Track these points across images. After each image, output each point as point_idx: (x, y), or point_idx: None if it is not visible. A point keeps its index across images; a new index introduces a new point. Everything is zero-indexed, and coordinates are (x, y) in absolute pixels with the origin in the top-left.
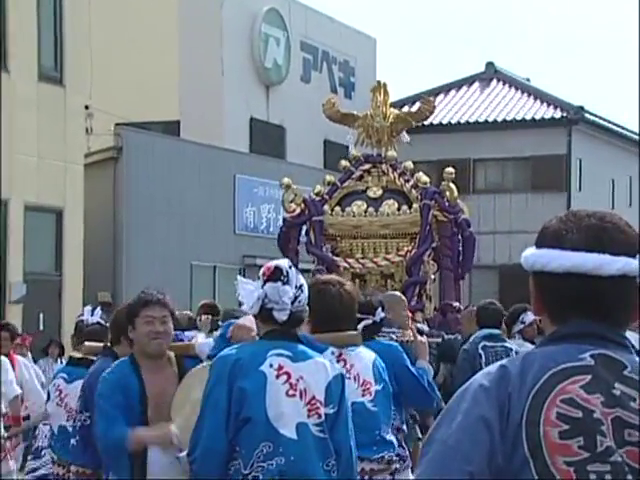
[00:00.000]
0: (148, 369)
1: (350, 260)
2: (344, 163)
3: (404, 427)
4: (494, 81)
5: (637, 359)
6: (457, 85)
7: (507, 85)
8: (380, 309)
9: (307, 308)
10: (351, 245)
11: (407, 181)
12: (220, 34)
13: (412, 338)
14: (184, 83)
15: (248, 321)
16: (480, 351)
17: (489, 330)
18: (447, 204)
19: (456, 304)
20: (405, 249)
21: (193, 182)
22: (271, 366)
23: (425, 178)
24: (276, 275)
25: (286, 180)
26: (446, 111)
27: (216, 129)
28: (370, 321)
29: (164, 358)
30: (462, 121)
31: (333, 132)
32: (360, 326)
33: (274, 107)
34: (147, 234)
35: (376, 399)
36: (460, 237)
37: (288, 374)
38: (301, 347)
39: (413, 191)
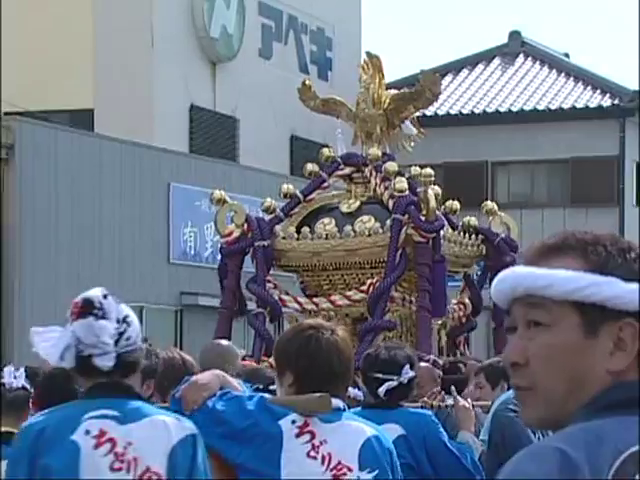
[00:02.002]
0: None
1: (302, 300)
2: (310, 168)
3: None
4: (520, 57)
5: None
6: (471, 62)
7: (538, 62)
8: (408, 367)
9: (142, 347)
10: (317, 279)
11: (387, 188)
12: None
13: (450, 402)
14: (99, 59)
15: (207, 376)
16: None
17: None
18: (422, 219)
19: (429, 357)
20: (369, 282)
21: (111, 193)
22: (88, 433)
23: (402, 184)
24: (86, 309)
25: (218, 193)
26: (456, 97)
27: (143, 121)
28: (395, 382)
29: None
30: (477, 111)
31: (303, 125)
32: (382, 390)
33: (223, 91)
34: (46, 264)
35: None
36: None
37: (112, 441)
38: (135, 403)
39: (390, 202)
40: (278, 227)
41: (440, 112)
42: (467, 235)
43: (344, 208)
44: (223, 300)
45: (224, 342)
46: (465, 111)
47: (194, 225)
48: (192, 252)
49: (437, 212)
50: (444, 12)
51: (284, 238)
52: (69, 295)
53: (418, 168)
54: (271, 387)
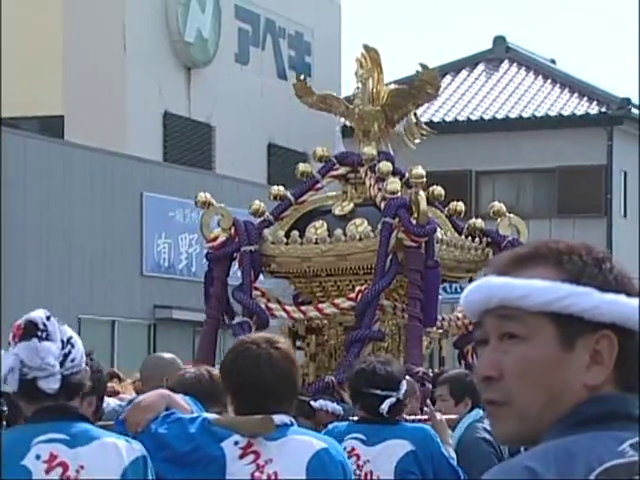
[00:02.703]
0: None
1: (289, 309)
2: (302, 168)
3: None
4: (505, 62)
5: None
6: (455, 68)
7: (523, 68)
8: (404, 382)
9: (86, 370)
10: (309, 286)
11: (380, 190)
12: None
13: (425, 417)
14: (70, 63)
15: (152, 397)
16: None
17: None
18: (413, 222)
19: (419, 369)
20: (357, 289)
21: (82, 202)
22: (38, 457)
23: (394, 185)
24: (29, 331)
25: (203, 196)
26: (438, 104)
27: (116, 128)
28: (394, 399)
29: None
30: (461, 118)
31: (281, 133)
32: (385, 407)
33: (198, 98)
34: (14, 276)
35: None
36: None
37: (64, 465)
38: (83, 426)
39: (382, 204)
40: (267, 231)
41: (423, 119)
42: (471, 238)
43: (337, 210)
44: (208, 309)
45: (167, 355)
46: (448, 118)
47: (168, 236)
48: (166, 264)
49: (429, 215)
50: (427, 16)
51: (273, 243)
52: (38, 308)
53: (420, 169)
54: None
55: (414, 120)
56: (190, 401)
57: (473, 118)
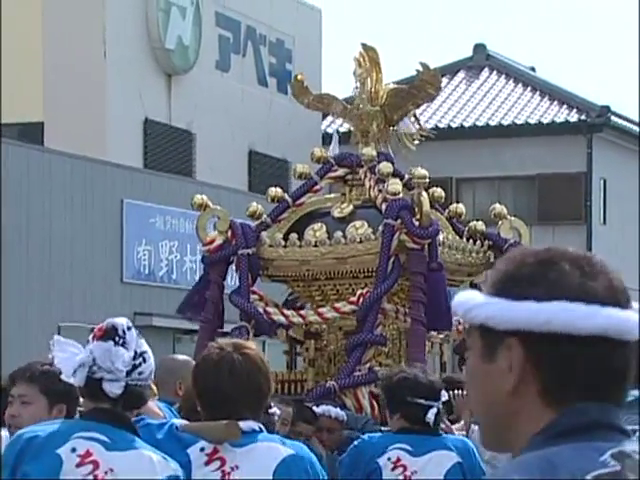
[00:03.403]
0: None
1: (288, 313)
2: (301, 169)
3: None
4: (485, 70)
5: None
6: None
7: (503, 76)
8: (444, 392)
9: (151, 387)
10: (308, 290)
11: (381, 191)
12: (101, 1)
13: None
14: (49, 69)
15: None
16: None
17: None
18: (415, 224)
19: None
20: (359, 293)
21: (62, 209)
22: (74, 450)
23: (395, 187)
24: (108, 334)
25: (199, 197)
26: (419, 112)
27: (96, 135)
28: (436, 409)
29: None
30: (441, 126)
31: (262, 140)
32: (431, 416)
33: (178, 105)
34: None
35: None
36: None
37: (95, 464)
38: (128, 435)
39: (384, 206)
40: (264, 234)
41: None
42: (472, 241)
43: (336, 213)
44: (205, 313)
45: (181, 357)
46: (429, 126)
47: (148, 243)
48: (146, 271)
49: (432, 217)
50: (407, 24)
51: (270, 246)
52: (19, 315)
53: (420, 169)
54: (270, 410)
55: (414, 121)
56: (164, 407)
57: (453, 125)
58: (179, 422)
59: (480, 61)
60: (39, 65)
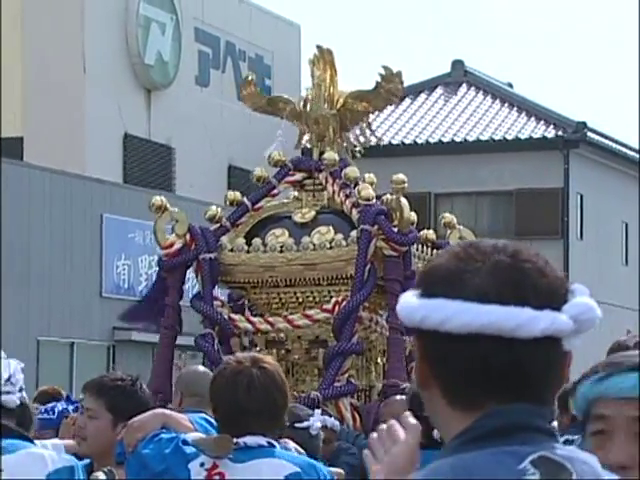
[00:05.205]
0: None
1: (255, 320)
2: (258, 172)
3: None
4: (463, 86)
5: (575, 454)
6: (413, 91)
7: (481, 92)
8: None
9: (22, 387)
10: (268, 297)
11: (348, 196)
12: (81, 16)
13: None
14: (29, 84)
15: (144, 417)
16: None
17: None
18: (394, 230)
19: (405, 385)
20: (334, 300)
21: (41, 223)
22: None
23: (368, 192)
24: None
25: (158, 199)
26: (397, 128)
27: (75, 149)
28: None
29: None
30: (420, 141)
31: (241, 154)
32: (437, 434)
33: (158, 120)
34: None
35: None
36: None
37: None
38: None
39: (354, 211)
40: (224, 238)
41: (382, 142)
42: (423, 248)
43: (297, 218)
44: (165, 320)
45: (201, 367)
46: (407, 141)
47: (128, 257)
48: (125, 285)
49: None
50: (386, 40)
51: (232, 250)
52: None
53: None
54: (297, 425)
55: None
56: (200, 419)
57: (432, 141)
58: (192, 436)
59: (458, 77)
60: (18, 80)
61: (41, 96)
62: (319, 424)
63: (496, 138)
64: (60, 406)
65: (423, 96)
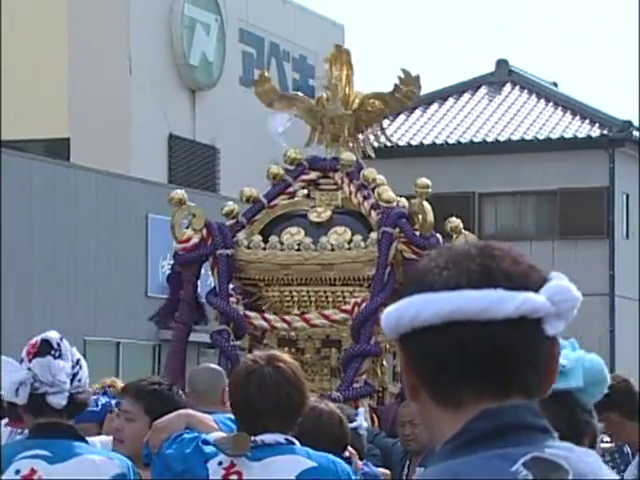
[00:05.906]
0: None
1: (270, 318)
2: (275, 170)
3: None
4: (507, 85)
5: (572, 453)
6: (457, 91)
7: (525, 91)
8: None
9: (89, 391)
10: (281, 295)
11: (366, 198)
12: (127, 18)
13: None
14: (75, 86)
15: (168, 418)
16: None
17: None
18: (417, 233)
19: None
20: (353, 301)
21: (87, 224)
22: (18, 472)
23: (389, 194)
24: (44, 349)
25: (177, 193)
26: (441, 127)
27: (120, 150)
28: None
29: None
30: (463, 141)
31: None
32: None
33: (202, 120)
34: (18, 296)
35: None
36: None
37: None
38: (70, 443)
39: (373, 213)
40: (240, 234)
41: (426, 142)
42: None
43: (313, 217)
44: (179, 314)
45: (213, 365)
46: (451, 141)
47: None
48: None
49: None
50: (429, 40)
51: (248, 247)
52: (44, 329)
53: (423, 178)
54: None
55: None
56: (224, 420)
57: (476, 140)
58: (214, 435)
59: (502, 76)
60: (65, 81)
61: (87, 97)
62: (366, 424)
63: (540, 137)
64: (103, 399)
65: (467, 96)
